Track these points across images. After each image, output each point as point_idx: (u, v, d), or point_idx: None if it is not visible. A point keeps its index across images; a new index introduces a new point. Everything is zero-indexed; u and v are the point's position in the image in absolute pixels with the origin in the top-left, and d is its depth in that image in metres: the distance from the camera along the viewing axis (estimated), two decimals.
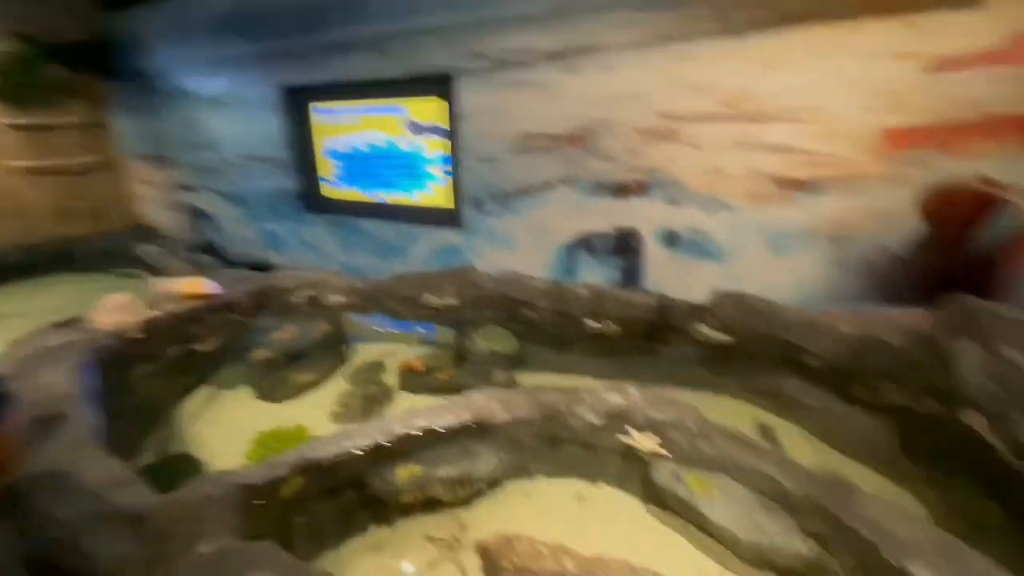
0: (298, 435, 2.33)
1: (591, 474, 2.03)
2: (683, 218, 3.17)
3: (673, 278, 3.23)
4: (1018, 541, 1.66)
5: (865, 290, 3.39)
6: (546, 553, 1.63)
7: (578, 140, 3.25)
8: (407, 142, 3.93)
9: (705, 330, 2.83)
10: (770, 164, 2.86)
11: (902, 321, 2.47)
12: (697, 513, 1.69)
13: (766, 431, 2.46)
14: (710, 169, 3.00)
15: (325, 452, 1.72)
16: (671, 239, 3.21)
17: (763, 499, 1.68)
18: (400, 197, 4.11)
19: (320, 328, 3.10)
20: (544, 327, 3.00)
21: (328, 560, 1.71)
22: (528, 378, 2.81)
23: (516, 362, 2.94)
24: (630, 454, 1.95)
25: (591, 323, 2.91)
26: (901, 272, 3.32)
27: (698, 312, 2.85)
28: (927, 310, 2.38)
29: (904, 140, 2.60)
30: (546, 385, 2.22)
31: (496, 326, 3.10)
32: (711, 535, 1.67)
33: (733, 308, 2.77)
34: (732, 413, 2.51)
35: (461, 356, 3.01)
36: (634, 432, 1.94)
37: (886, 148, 2.63)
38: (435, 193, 3.92)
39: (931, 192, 2.62)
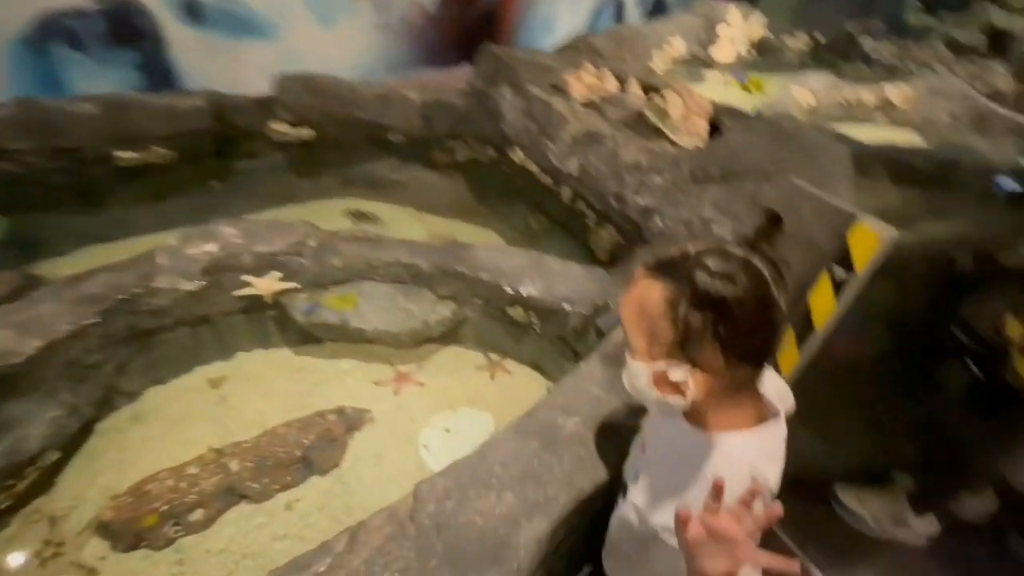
0: None
1: (218, 351, 1.64)
2: None
3: (218, 67, 2.50)
4: (560, 237, 2.27)
5: (412, 54, 3.49)
6: (196, 472, 1.29)
7: None
8: None
9: (282, 128, 2.41)
10: None
11: (456, 80, 2.66)
12: (352, 330, 1.61)
13: (369, 218, 2.44)
14: None
15: None
16: (192, 9, 2.35)
17: (402, 286, 1.71)
18: None
19: None
20: (38, 180, 1.94)
21: None
22: (56, 267, 1.86)
23: (20, 249, 1.89)
24: (254, 306, 1.63)
25: (121, 154, 2.04)
26: (436, 30, 3.50)
27: (266, 107, 2.35)
28: (471, 66, 2.63)
29: None
30: (89, 267, 1.51)
31: None
32: (373, 342, 1.64)
33: (304, 94, 2.39)
34: (340, 213, 2.38)
35: None
36: (251, 278, 1.58)
37: None
38: None
39: None
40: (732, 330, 0.68)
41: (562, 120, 2.12)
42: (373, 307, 1.64)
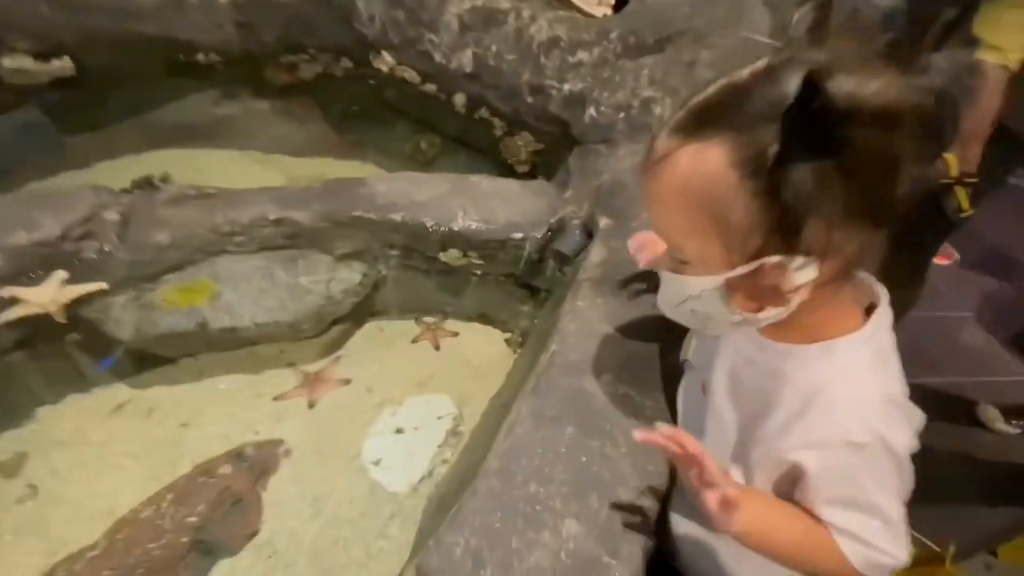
0: None
1: (3, 418, 1.01)
2: None
3: None
4: (462, 156, 1.84)
5: None
6: None
7: None
8: None
9: (21, 64, 1.58)
10: None
11: None
12: (217, 333, 1.09)
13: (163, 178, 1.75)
14: None
15: None
16: None
17: (279, 254, 1.19)
18: None
19: None
20: None
21: None
22: None
23: None
24: (40, 332, 1.01)
25: None
26: None
27: None
28: None
29: None
30: None
31: None
32: (257, 342, 1.14)
33: (44, 6, 1.56)
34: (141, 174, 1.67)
35: None
36: (18, 290, 0.96)
37: None
38: None
39: None
40: (855, 179, 0.41)
41: (440, 0, 1.62)
42: (241, 292, 1.11)
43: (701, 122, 0.45)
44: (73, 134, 1.75)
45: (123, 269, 1.06)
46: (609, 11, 1.70)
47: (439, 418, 1.18)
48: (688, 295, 0.51)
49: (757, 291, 0.48)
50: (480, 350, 1.33)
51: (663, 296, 0.56)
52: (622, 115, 1.44)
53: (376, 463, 1.09)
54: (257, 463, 1.01)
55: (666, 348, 0.81)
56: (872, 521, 0.49)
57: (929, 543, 1.37)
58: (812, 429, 0.50)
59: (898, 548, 0.49)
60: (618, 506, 0.62)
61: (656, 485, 0.65)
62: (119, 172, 1.64)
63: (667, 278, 0.54)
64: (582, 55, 1.46)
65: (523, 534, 0.59)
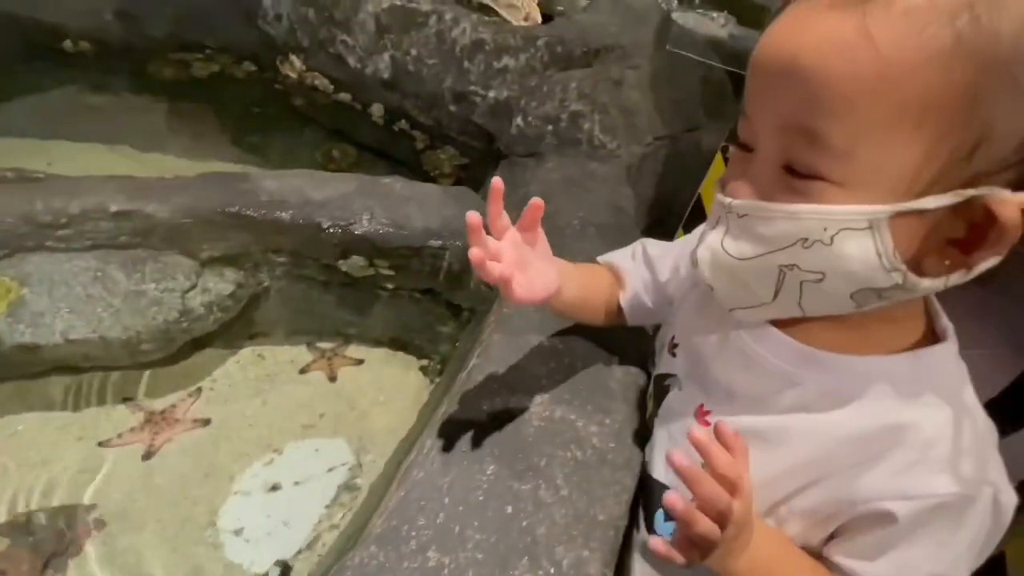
0: None
1: None
2: None
3: None
4: (378, 170, 1.66)
5: None
6: None
7: None
8: None
9: None
10: None
11: None
12: (14, 351, 0.79)
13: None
14: None
15: None
16: None
17: (121, 255, 0.92)
18: None
19: None
20: None
21: None
22: None
23: None
24: None
25: None
26: None
27: None
28: None
29: None
30: None
31: None
32: (79, 368, 0.85)
33: None
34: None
35: None
36: None
37: None
38: None
39: None
40: None
41: None
42: (56, 299, 0.82)
43: None
44: None
45: None
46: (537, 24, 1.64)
47: (330, 470, 0.93)
48: (808, 237, 0.34)
49: (927, 244, 0.33)
50: (389, 382, 1.10)
51: (726, 247, 0.38)
52: (550, 127, 1.34)
53: (237, 533, 0.81)
54: (48, 539, 0.70)
55: (614, 361, 0.65)
56: None
57: None
58: (911, 473, 0.35)
59: None
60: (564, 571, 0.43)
61: (611, 538, 0.47)
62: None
63: (759, 212, 0.36)
64: (508, 60, 1.36)
65: None
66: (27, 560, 0.69)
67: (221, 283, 0.95)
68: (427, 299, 1.12)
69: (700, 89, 1.46)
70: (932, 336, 0.39)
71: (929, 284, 0.34)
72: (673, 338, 0.53)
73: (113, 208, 0.90)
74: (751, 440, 0.40)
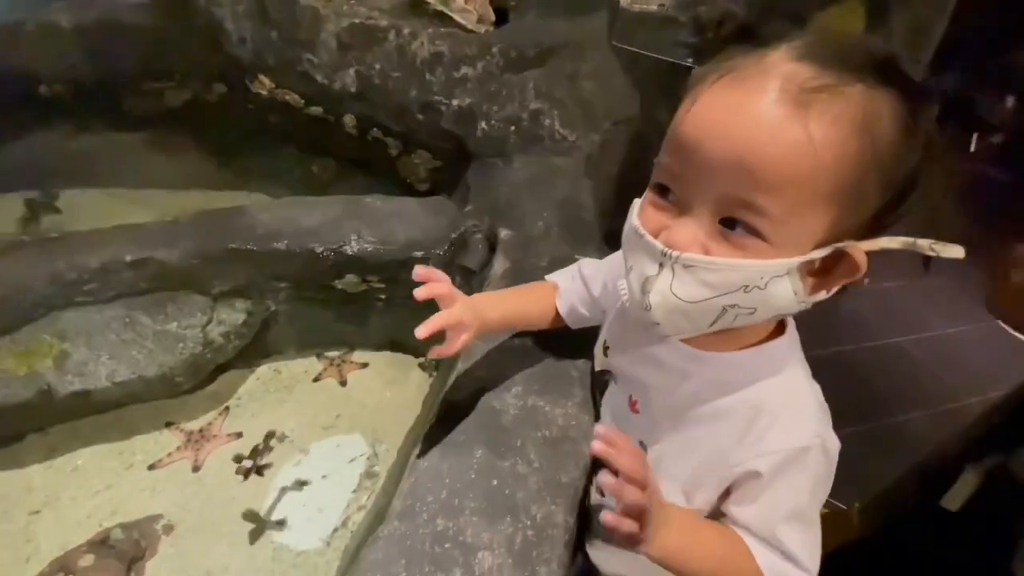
0: None
1: None
2: None
3: None
4: (359, 179, 1.76)
5: None
6: None
7: None
8: None
9: None
10: None
11: None
12: (66, 400, 0.92)
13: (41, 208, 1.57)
14: None
15: None
16: None
17: (141, 300, 1.04)
18: None
19: None
20: None
21: None
22: None
23: None
24: None
25: None
26: None
27: None
28: None
29: None
30: None
31: None
32: (122, 404, 0.98)
33: None
34: None
35: None
36: None
37: None
38: None
39: None
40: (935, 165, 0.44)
41: (315, 17, 1.54)
42: (96, 347, 0.95)
43: (849, 65, 0.40)
44: None
45: None
46: (492, 28, 1.71)
47: (351, 461, 1.08)
48: (749, 284, 0.42)
49: (823, 276, 0.45)
50: (393, 379, 1.25)
51: (676, 292, 0.44)
52: (513, 128, 1.44)
53: (280, 523, 0.96)
54: (127, 548, 0.85)
55: (576, 355, 0.79)
56: (807, 535, 0.47)
57: (835, 502, 1.45)
58: (764, 438, 0.48)
59: (813, 563, 0.47)
60: (533, 527, 0.57)
61: (570, 495, 0.62)
62: None
63: (708, 265, 0.42)
64: (466, 70, 1.44)
65: None
66: (113, 569, 0.83)
67: (233, 313, 1.08)
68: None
69: (653, 71, 1.55)
70: (780, 329, 0.52)
71: (814, 299, 0.46)
72: (606, 341, 0.67)
73: (128, 258, 1.02)
74: (666, 422, 0.54)
